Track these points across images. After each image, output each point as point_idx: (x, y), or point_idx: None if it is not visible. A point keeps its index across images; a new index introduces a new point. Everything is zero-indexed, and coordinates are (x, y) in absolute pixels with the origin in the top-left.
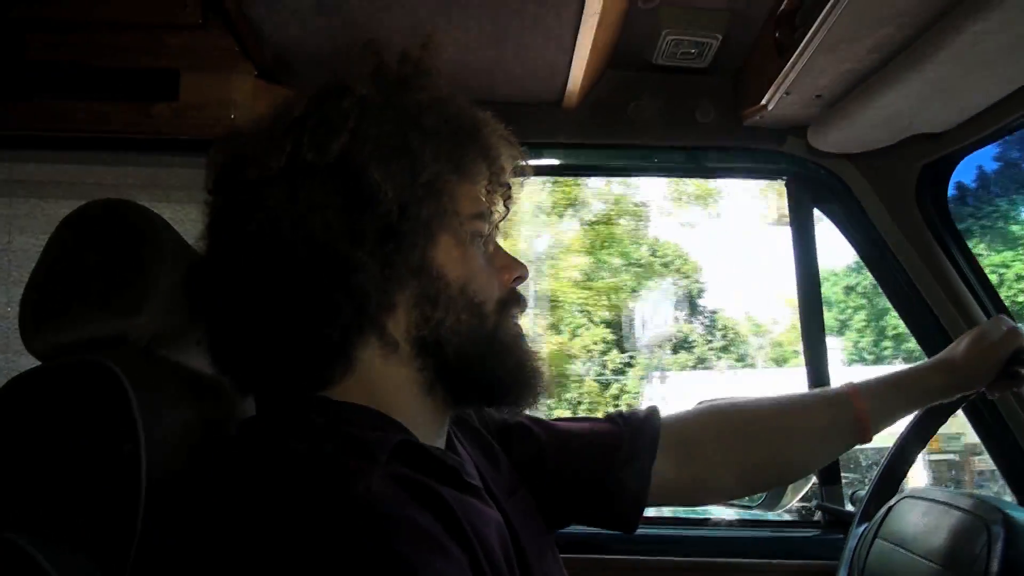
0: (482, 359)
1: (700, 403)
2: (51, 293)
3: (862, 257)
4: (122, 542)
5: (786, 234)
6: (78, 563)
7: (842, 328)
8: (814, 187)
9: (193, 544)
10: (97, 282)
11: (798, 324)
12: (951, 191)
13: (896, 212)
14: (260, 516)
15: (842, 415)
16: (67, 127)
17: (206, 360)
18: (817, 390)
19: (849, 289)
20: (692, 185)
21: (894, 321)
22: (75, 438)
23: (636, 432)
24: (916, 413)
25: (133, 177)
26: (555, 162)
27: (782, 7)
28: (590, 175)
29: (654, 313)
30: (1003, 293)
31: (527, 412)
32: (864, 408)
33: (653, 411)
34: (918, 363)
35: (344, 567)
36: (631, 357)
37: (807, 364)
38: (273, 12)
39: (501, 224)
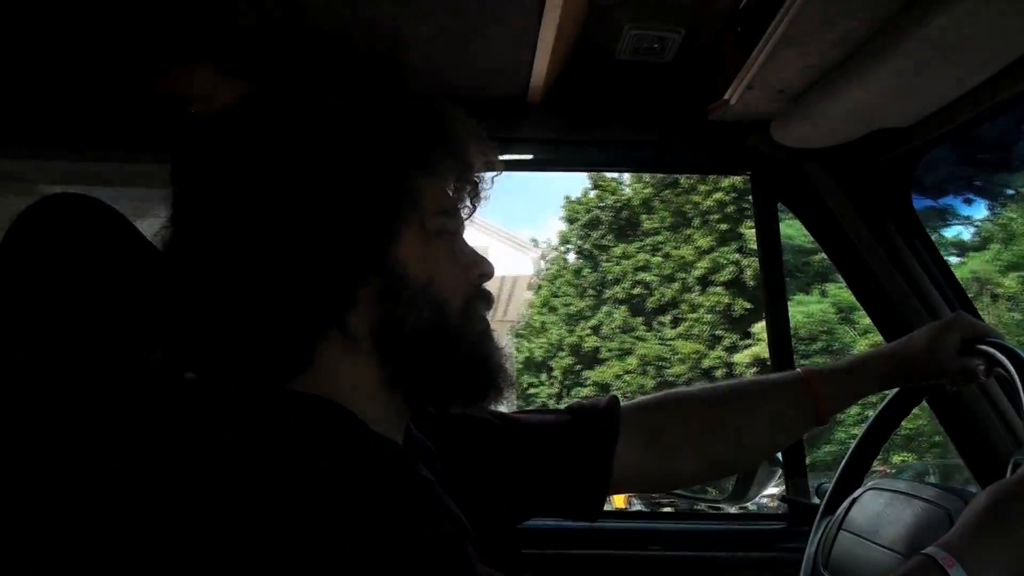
0: (445, 357)
1: (661, 391)
2: (4, 289)
3: (826, 251)
4: (67, 542)
5: None
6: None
7: None
8: (778, 182)
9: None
10: (52, 278)
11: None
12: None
13: (860, 207)
14: (216, 506)
15: (799, 399)
16: (24, 121)
17: (168, 355)
18: (774, 375)
19: None
20: None
21: None
22: (24, 437)
23: (596, 422)
24: (880, 407)
25: (94, 172)
26: (520, 157)
27: (744, 1)
28: (555, 170)
29: None
30: None
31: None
32: (819, 392)
33: (613, 401)
34: (872, 350)
35: (302, 532)
36: None
37: (772, 359)
38: (232, 5)
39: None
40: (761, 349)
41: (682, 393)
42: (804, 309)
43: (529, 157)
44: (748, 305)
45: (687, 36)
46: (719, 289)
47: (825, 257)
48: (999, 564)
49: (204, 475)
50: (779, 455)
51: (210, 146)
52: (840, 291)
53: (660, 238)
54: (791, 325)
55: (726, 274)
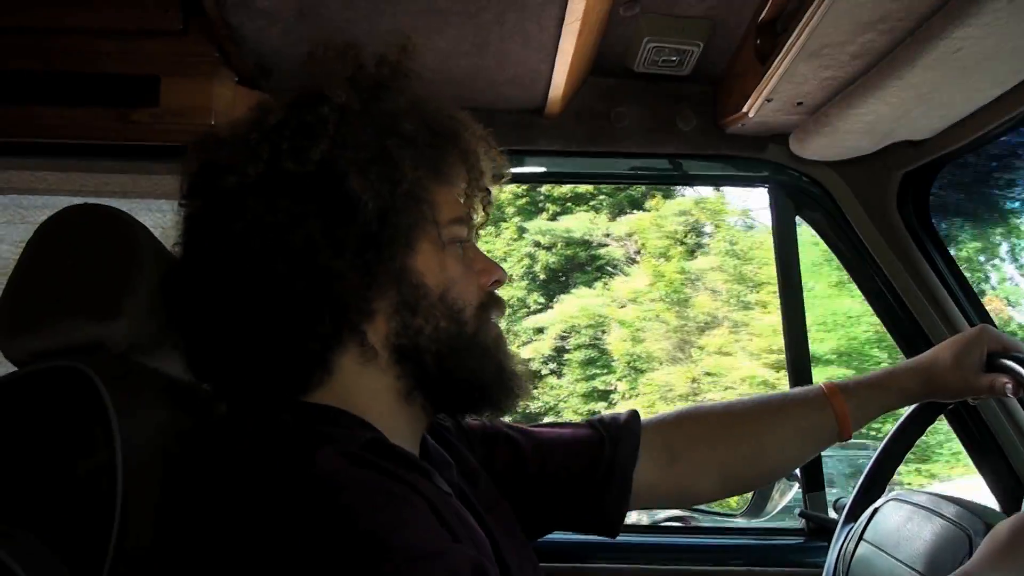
0: (462, 365)
1: (681, 406)
2: (28, 299)
3: (844, 264)
4: (98, 547)
5: None
6: (54, 570)
7: None
8: (796, 194)
9: (171, 540)
10: (74, 288)
11: None
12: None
13: (878, 219)
14: (225, 508)
15: (822, 415)
16: (47, 133)
17: (184, 365)
18: (796, 390)
19: None
20: None
21: None
22: (50, 444)
23: (617, 437)
24: (902, 417)
25: (114, 184)
26: (537, 169)
27: (763, 15)
28: (572, 182)
29: None
30: None
31: (506, 418)
32: (843, 408)
33: (634, 415)
34: (897, 364)
35: (311, 542)
36: None
37: (789, 368)
38: (254, 18)
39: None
40: (542, 345)
41: (702, 409)
42: (580, 302)
43: (547, 169)
44: (542, 300)
45: (705, 49)
46: (521, 283)
47: (610, 253)
48: None
49: (217, 485)
50: (796, 470)
51: (223, 164)
52: (624, 286)
53: (483, 232)
54: (564, 316)
55: (520, 268)
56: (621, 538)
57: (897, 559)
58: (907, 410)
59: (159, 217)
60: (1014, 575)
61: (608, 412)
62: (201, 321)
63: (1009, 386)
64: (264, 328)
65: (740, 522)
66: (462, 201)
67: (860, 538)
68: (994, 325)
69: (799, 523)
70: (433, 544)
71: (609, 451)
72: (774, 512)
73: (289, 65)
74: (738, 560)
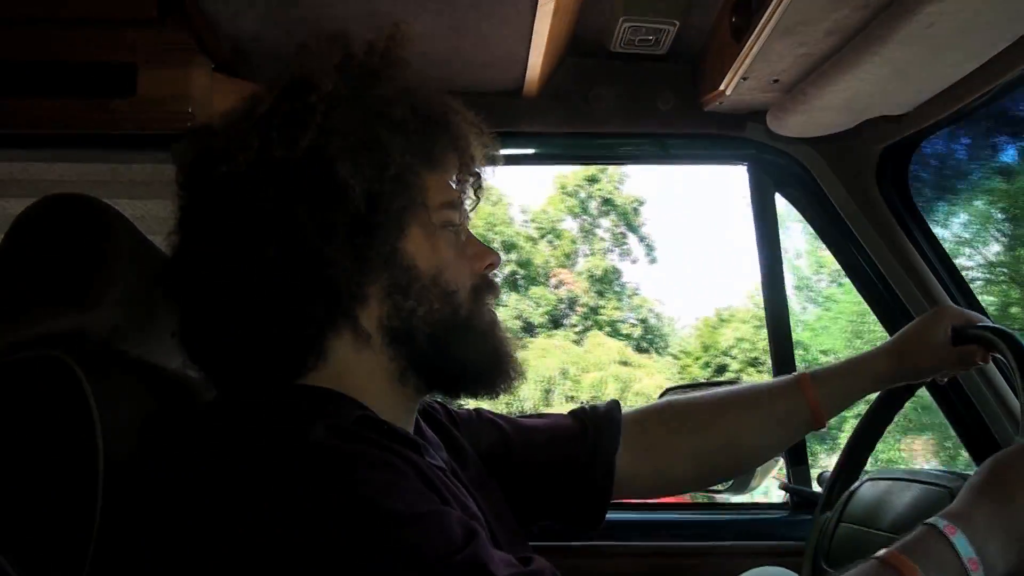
0: (456, 347)
1: (659, 397)
2: (7, 290)
3: (824, 240)
4: (81, 537)
5: None
6: (37, 559)
7: None
8: (775, 172)
9: (156, 519)
10: (53, 277)
11: None
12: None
13: (857, 195)
14: (215, 489)
15: (795, 404)
16: (23, 124)
17: (168, 354)
18: (769, 380)
19: None
20: None
21: None
22: (31, 435)
23: (599, 426)
24: (877, 396)
25: (93, 174)
26: (516, 151)
27: None
28: (551, 163)
29: None
30: None
31: (491, 405)
32: (815, 396)
33: (614, 405)
34: (867, 351)
35: (307, 510)
36: None
37: (771, 347)
38: (229, 5)
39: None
40: None
41: (681, 400)
42: None
43: (526, 151)
44: None
45: (681, 27)
46: None
47: None
48: (1001, 529)
49: (205, 467)
50: None
51: (216, 155)
52: None
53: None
54: None
55: None
56: (608, 515)
57: (878, 530)
58: (876, 397)
59: (139, 205)
60: (995, 506)
61: (589, 404)
62: (197, 307)
63: (978, 352)
64: (258, 314)
65: (725, 497)
66: (453, 186)
67: (838, 521)
68: (974, 296)
69: (783, 497)
70: (423, 506)
71: (592, 439)
72: (757, 488)
73: (266, 51)
74: (723, 535)
